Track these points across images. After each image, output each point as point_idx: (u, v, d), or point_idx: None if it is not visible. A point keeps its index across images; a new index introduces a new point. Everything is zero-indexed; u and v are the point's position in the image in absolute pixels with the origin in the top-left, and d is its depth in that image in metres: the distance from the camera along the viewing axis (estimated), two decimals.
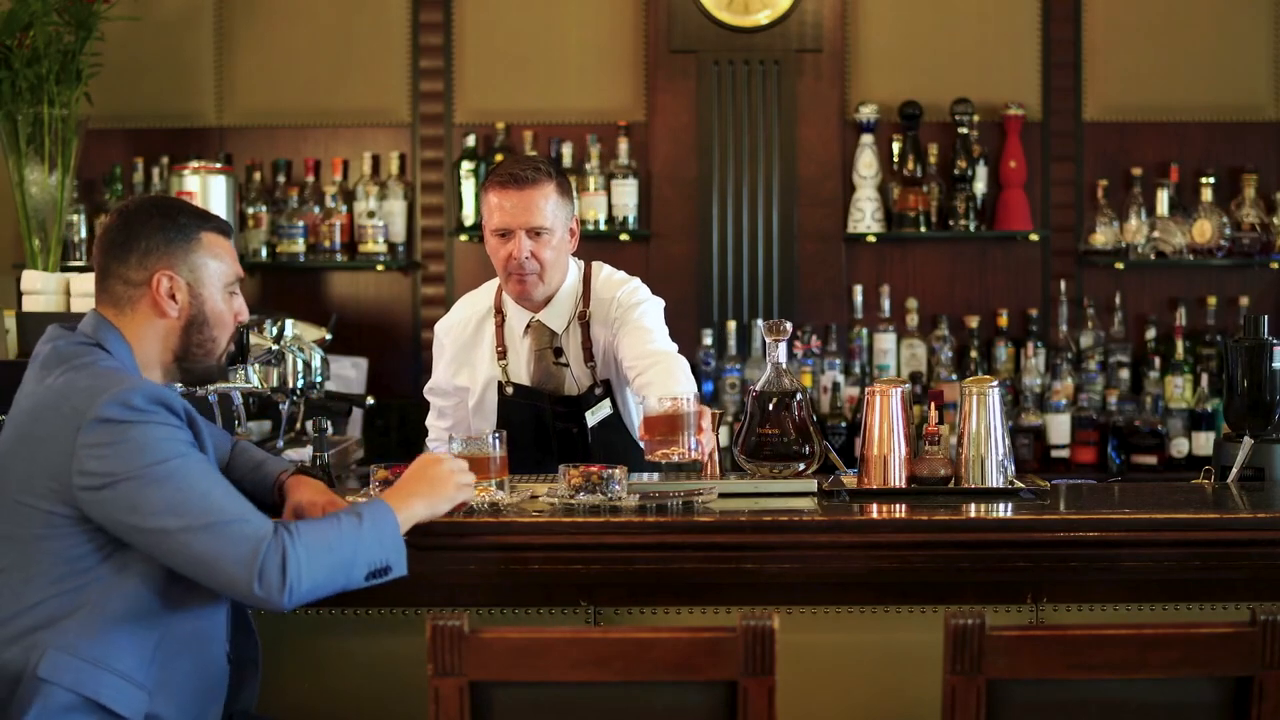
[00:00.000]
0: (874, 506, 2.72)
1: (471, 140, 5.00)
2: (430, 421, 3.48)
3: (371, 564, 2.27)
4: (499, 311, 3.30)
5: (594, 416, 3.23)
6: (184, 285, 2.36)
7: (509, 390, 3.23)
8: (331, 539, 2.23)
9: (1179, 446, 4.88)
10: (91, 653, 2.18)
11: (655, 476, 2.86)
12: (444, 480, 2.44)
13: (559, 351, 3.24)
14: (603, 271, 3.33)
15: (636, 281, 3.31)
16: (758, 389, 2.92)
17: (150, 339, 2.36)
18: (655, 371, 3.05)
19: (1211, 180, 4.95)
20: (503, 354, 3.24)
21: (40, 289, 3.62)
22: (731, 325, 4.97)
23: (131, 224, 2.37)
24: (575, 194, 3.33)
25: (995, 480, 2.80)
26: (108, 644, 2.19)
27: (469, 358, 3.32)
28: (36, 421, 2.22)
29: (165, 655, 2.25)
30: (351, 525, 2.26)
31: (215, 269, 2.39)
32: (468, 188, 4.97)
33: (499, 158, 4.94)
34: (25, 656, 2.17)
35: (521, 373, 3.26)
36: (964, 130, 4.98)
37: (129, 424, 2.17)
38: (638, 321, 3.19)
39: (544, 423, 3.23)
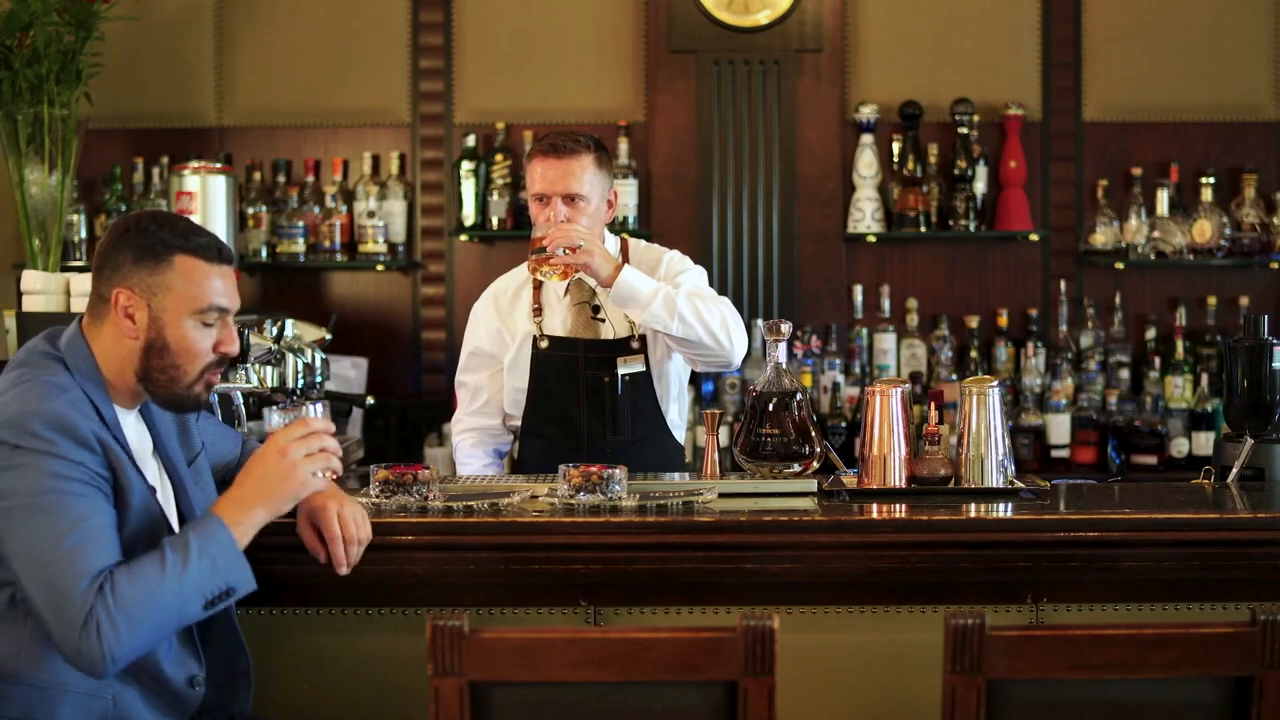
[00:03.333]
0: (874, 506, 2.72)
1: (471, 140, 5.00)
2: (458, 415, 3.56)
3: (206, 594, 2.17)
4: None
5: (625, 367, 3.34)
6: (143, 306, 2.26)
7: (543, 344, 3.36)
8: (155, 590, 2.12)
9: (1179, 446, 4.87)
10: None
11: (675, 476, 2.89)
12: (285, 476, 2.27)
13: (596, 309, 3.37)
14: (641, 243, 3.54)
15: (678, 251, 3.49)
16: (758, 389, 2.93)
17: (116, 357, 2.29)
18: (697, 298, 3.20)
19: (1211, 180, 4.95)
20: (538, 311, 3.37)
21: (40, 289, 3.63)
22: None
23: (114, 237, 2.30)
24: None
25: (995, 480, 2.80)
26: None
27: (509, 318, 3.45)
28: None
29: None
30: (175, 567, 2.14)
31: (183, 294, 2.27)
32: (468, 188, 4.97)
33: (499, 158, 4.97)
34: None
35: (557, 328, 3.39)
36: (964, 130, 4.98)
37: (20, 449, 2.12)
38: (692, 284, 3.32)
39: (575, 373, 3.35)
